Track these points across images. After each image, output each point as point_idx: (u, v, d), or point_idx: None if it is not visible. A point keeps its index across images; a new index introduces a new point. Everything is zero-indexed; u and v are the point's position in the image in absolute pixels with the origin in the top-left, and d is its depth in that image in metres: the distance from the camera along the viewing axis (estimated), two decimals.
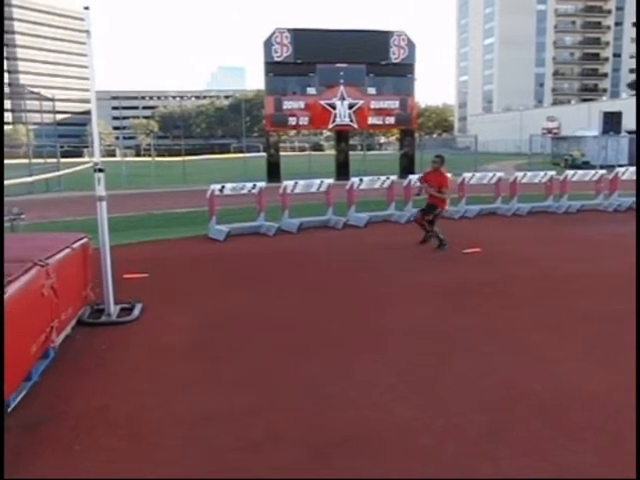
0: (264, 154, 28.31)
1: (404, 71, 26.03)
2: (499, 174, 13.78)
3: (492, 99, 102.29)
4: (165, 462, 3.07)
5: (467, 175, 13.52)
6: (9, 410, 3.60)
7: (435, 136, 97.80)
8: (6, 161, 33.78)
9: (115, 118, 67.84)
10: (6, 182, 4.70)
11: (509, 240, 10.09)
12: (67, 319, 5.06)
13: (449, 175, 9.67)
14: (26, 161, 27.15)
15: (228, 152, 70.29)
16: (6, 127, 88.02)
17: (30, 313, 4.02)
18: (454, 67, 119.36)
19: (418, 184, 9.89)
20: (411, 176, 13.40)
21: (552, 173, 14.04)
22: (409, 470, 2.99)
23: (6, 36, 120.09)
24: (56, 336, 4.63)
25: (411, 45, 25.93)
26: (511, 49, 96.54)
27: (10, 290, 3.66)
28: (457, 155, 36.81)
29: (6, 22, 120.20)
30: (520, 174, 13.77)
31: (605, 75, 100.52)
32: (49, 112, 30.11)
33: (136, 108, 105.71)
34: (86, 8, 5.53)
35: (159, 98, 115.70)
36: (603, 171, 14.44)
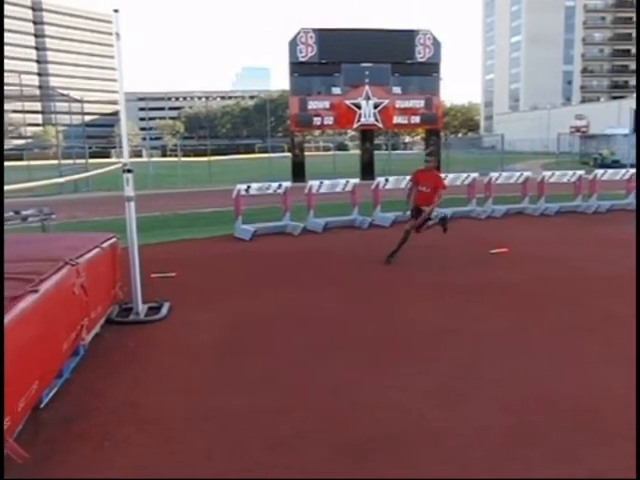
0: (289, 154, 28.38)
1: (429, 70, 25.86)
2: (526, 173, 13.62)
3: (519, 97, 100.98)
4: (194, 459, 3.10)
5: (494, 175, 13.38)
6: (42, 406, 3.67)
7: (460, 135, 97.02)
8: (37, 162, 34.50)
9: (142, 119, 68.69)
10: (38, 183, 4.79)
11: (537, 240, 9.96)
12: (97, 317, 5.13)
13: (442, 175, 9.13)
14: (56, 162, 27.66)
15: (253, 152, 70.60)
16: (36, 129, 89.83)
17: (62, 311, 4.09)
18: (480, 65, 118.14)
19: (408, 186, 9.10)
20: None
21: (581, 172, 13.82)
22: (435, 472, 2.97)
23: (37, 39, 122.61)
24: (86, 334, 4.70)
25: (436, 44, 25.76)
26: (538, 47, 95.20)
27: (43, 288, 3.73)
28: (483, 154, 36.51)
29: (37, 26, 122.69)
30: (548, 173, 13.57)
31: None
32: (78, 113, 30.63)
33: (162, 109, 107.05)
34: (115, 11, 5.60)
35: (185, 99, 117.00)
36: (633, 170, 14.15)
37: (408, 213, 8.57)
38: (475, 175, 13.21)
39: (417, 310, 5.92)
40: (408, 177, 12.48)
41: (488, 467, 3.00)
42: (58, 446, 3.24)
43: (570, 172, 13.89)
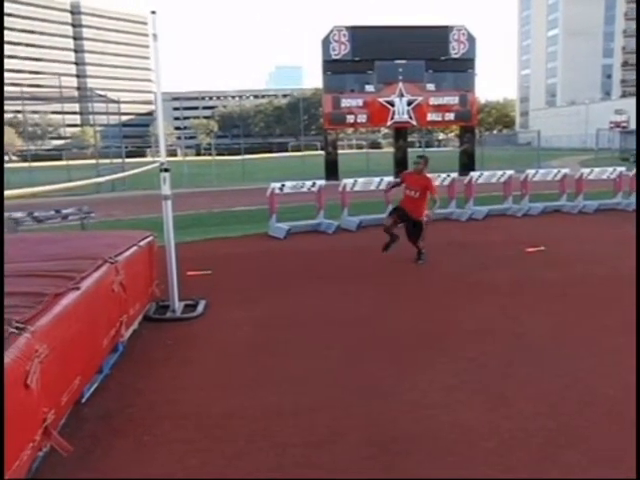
0: (322, 152, 28.40)
1: (464, 66, 25.55)
2: (564, 170, 13.35)
3: (556, 93, 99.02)
4: (232, 456, 3.13)
5: (530, 172, 13.16)
6: (83, 400, 3.76)
7: (495, 132, 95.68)
8: (75, 162, 35.28)
9: (176, 118, 69.53)
10: (78, 183, 4.93)
11: (574, 238, 9.76)
12: (135, 314, 5.22)
13: (431, 176, 8.30)
14: (93, 161, 28.26)
15: (286, 150, 70.84)
16: (75, 129, 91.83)
17: (101, 308, 4.18)
18: (515, 61, 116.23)
19: (391, 182, 9.03)
20: (472, 173, 13.18)
21: (621, 169, 13.48)
22: (472, 474, 2.94)
23: (76, 42, 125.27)
24: (125, 331, 4.79)
25: (471, 39, 25.43)
26: (576, 40, 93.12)
27: (84, 286, 3.81)
28: (519, 151, 35.94)
29: (76, 29, 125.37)
30: (586, 170, 13.28)
31: None
32: (115, 114, 31.20)
33: (196, 108, 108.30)
34: (153, 12, 5.69)
35: (218, 98, 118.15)
36: None
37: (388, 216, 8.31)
38: (511, 172, 13.02)
39: (454, 308, 5.86)
40: (443, 175, 12.47)
41: (528, 470, 2.95)
42: (100, 440, 3.31)
43: (610, 169, 13.56)
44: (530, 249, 8.61)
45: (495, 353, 4.59)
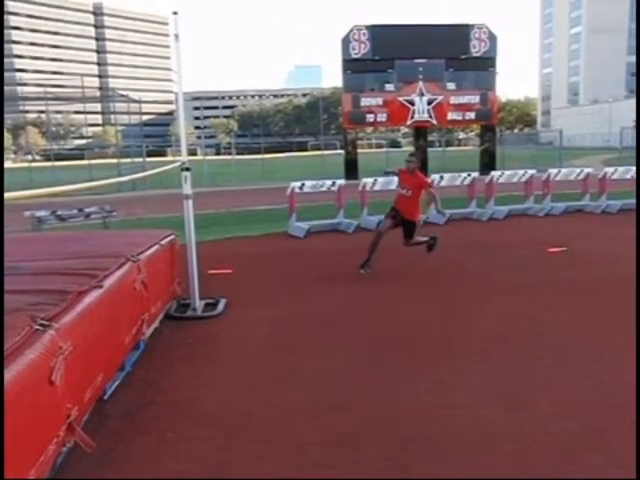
0: (341, 151, 28.39)
1: (485, 65, 25.37)
2: (587, 170, 13.17)
3: (578, 91, 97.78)
4: (253, 454, 3.14)
5: (552, 171, 13.01)
6: (106, 397, 3.80)
7: (516, 131, 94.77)
8: (97, 161, 35.69)
9: (196, 118, 70.15)
10: (100, 182, 4.99)
11: (597, 239, 9.63)
12: (156, 313, 5.27)
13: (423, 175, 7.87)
14: (115, 161, 28.57)
15: (305, 150, 71.04)
16: (96, 129, 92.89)
17: (124, 306, 4.22)
18: (537, 59, 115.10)
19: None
20: (493, 172, 13.08)
21: None
22: (493, 476, 2.91)
23: (98, 43, 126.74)
24: (146, 329, 4.84)
25: (492, 38, 25.24)
26: (600, 37, 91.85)
27: (107, 284, 3.85)
28: (540, 150, 35.57)
29: (98, 30, 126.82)
30: (610, 170, 13.09)
31: None
32: (136, 113, 31.54)
33: (216, 108, 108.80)
34: (175, 13, 5.73)
35: (238, 98, 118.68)
36: None
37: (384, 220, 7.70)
38: (533, 172, 12.89)
39: (474, 308, 5.81)
40: (463, 174, 12.39)
41: (550, 473, 2.92)
42: (122, 437, 3.35)
43: (634, 168, 13.33)
44: (552, 249, 8.51)
45: (516, 354, 4.54)
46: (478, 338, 4.96)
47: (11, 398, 2.31)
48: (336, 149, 44.12)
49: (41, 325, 2.87)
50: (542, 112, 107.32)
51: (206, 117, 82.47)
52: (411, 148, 31.17)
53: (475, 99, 25.48)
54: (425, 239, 7.72)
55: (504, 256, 8.36)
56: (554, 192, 12.75)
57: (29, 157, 53.90)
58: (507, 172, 13.06)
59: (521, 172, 12.84)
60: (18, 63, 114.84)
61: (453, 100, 25.34)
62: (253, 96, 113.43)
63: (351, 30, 24.55)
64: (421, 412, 3.59)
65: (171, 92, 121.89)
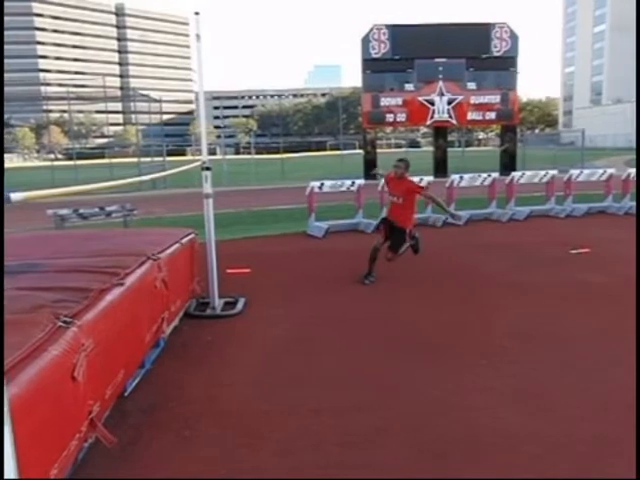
0: (360, 151, 28.32)
1: (506, 64, 25.10)
2: (610, 170, 12.99)
3: (601, 91, 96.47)
4: (273, 453, 3.15)
5: (574, 172, 12.86)
6: (126, 394, 3.84)
7: (537, 131, 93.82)
8: (118, 160, 36.02)
9: (216, 117, 70.41)
10: (124, 181, 5.02)
11: (620, 240, 9.47)
12: (176, 311, 5.31)
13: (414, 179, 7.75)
14: (135, 160, 28.82)
15: (324, 149, 70.99)
16: (117, 128, 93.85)
17: (144, 304, 4.26)
18: (559, 58, 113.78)
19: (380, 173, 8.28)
20: (514, 173, 12.96)
21: None
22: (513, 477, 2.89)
23: (119, 43, 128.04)
24: (166, 327, 4.88)
25: (514, 37, 24.97)
26: (625, 36, 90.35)
27: (128, 282, 3.89)
28: (562, 151, 35.15)
29: (120, 30, 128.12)
30: (633, 170, 12.89)
31: None
32: (156, 113, 31.79)
33: (236, 107, 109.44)
34: (196, 13, 5.76)
35: (258, 97, 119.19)
36: None
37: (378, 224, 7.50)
38: (554, 172, 12.75)
39: (495, 310, 5.77)
40: (484, 174, 12.29)
41: (570, 477, 2.89)
42: (142, 433, 3.38)
43: None
44: (574, 251, 8.41)
45: (538, 356, 4.50)
46: (498, 340, 4.92)
47: (35, 394, 2.35)
48: (355, 149, 44.10)
49: (64, 322, 2.91)
50: (564, 112, 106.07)
51: (226, 117, 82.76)
52: (430, 148, 31.02)
53: (496, 99, 25.24)
54: (407, 245, 7.21)
55: (525, 257, 8.28)
56: (576, 193, 12.61)
57: (52, 156, 54.65)
58: (528, 173, 12.93)
59: (542, 173, 12.71)
60: (42, 63, 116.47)
61: (473, 100, 25.13)
62: (272, 96, 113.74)
63: (371, 30, 24.48)
64: (440, 413, 3.57)
65: (191, 92, 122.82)
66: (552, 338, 4.91)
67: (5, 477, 1.80)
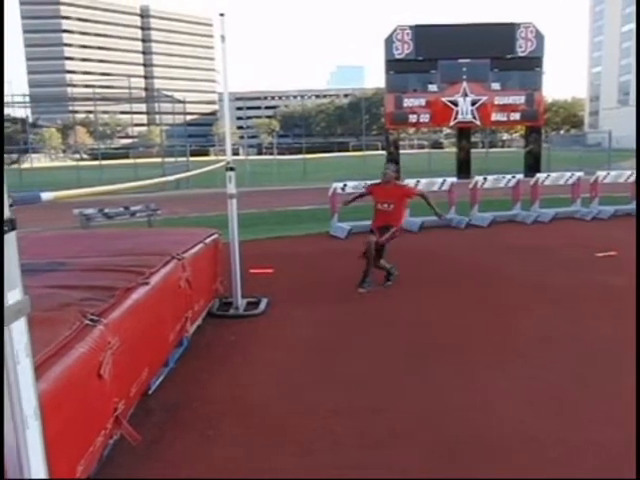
0: (383, 152, 28.25)
1: (531, 64, 24.82)
2: None
3: (629, 91, 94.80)
4: (293, 454, 3.15)
5: (600, 173, 12.66)
6: (150, 392, 3.88)
7: (563, 132, 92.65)
8: (141, 160, 36.42)
9: (239, 118, 70.78)
10: (148, 182, 5.07)
11: None
12: (199, 310, 5.35)
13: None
14: (159, 160, 29.12)
15: (347, 150, 70.95)
16: (141, 128, 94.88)
17: (168, 303, 4.30)
18: (586, 58, 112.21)
19: (355, 193, 7.85)
20: (539, 174, 12.81)
21: None
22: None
23: (144, 44, 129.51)
24: (190, 326, 4.91)
25: (539, 37, 24.68)
26: None
27: (153, 281, 3.93)
28: (588, 152, 34.70)
29: (144, 32, 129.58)
30: None
31: None
32: (180, 113, 32.11)
33: (259, 108, 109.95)
34: (222, 15, 5.80)
35: (280, 98, 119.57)
36: None
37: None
38: (580, 174, 12.57)
39: (520, 313, 5.70)
40: (508, 176, 12.16)
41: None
42: (165, 431, 3.41)
43: None
44: (600, 254, 8.28)
45: (563, 360, 4.44)
46: (519, 342, 4.87)
47: (63, 390, 2.38)
48: (377, 150, 44.00)
49: (91, 320, 2.95)
50: (590, 112, 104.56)
51: (248, 117, 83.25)
52: (454, 149, 30.80)
53: (520, 100, 24.97)
54: (389, 266, 6.92)
55: (549, 260, 8.18)
56: (602, 195, 12.42)
57: (77, 156, 55.46)
58: (553, 174, 12.78)
59: (568, 174, 12.55)
60: (69, 65, 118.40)
61: (497, 101, 24.90)
62: (295, 96, 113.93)
63: (394, 30, 24.41)
64: (463, 415, 3.55)
65: (214, 92, 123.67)
66: (579, 341, 4.84)
67: (33, 472, 1.83)
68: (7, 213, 1.75)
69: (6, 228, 1.73)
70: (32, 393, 1.84)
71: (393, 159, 6.22)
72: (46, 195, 2.06)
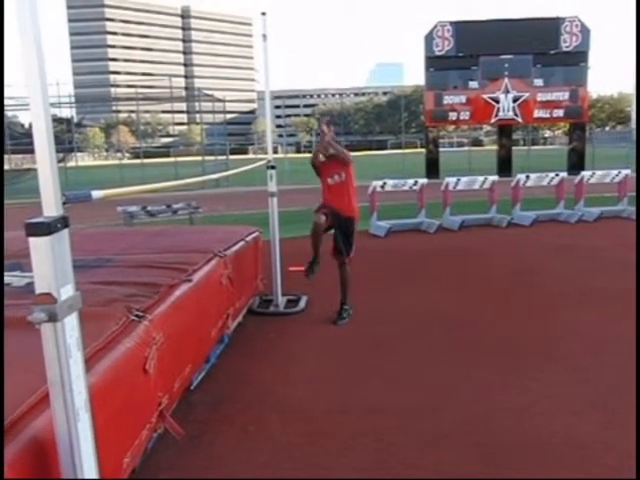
0: (422, 150, 28.01)
1: (576, 60, 24.22)
2: None
3: None
4: (335, 451, 3.15)
5: None
6: (192, 388, 3.93)
7: (608, 129, 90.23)
8: (182, 158, 36.99)
9: (278, 116, 71.23)
10: (191, 180, 5.11)
11: None
12: (240, 307, 5.39)
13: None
14: (199, 158, 29.50)
15: (385, 148, 70.64)
16: (182, 127, 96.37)
17: (211, 300, 4.35)
18: (633, 51, 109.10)
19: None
20: (584, 172, 12.50)
21: None
22: None
23: (185, 44, 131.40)
24: (231, 323, 4.96)
25: (585, 31, 24.07)
26: None
27: (195, 278, 3.98)
28: (634, 149, 33.64)
29: (185, 32, 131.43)
30: None
31: None
32: (220, 112, 32.45)
33: (297, 106, 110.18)
34: (263, 14, 5.83)
35: (319, 96, 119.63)
36: None
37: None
38: (627, 172, 12.22)
39: (564, 314, 5.57)
40: (551, 174, 11.90)
41: None
42: (207, 426, 3.46)
43: None
44: None
45: (610, 364, 4.32)
46: (567, 345, 4.75)
47: (111, 384, 2.43)
48: (416, 148, 43.64)
49: (136, 316, 3.01)
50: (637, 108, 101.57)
51: (287, 115, 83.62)
52: (494, 147, 30.26)
53: (564, 96, 24.40)
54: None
55: (592, 260, 7.97)
56: None
57: (119, 154, 56.69)
58: (599, 172, 12.44)
59: (614, 172, 12.20)
60: (112, 66, 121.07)
61: (540, 97, 24.39)
62: (334, 94, 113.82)
63: (435, 27, 24.17)
64: (508, 418, 3.48)
65: (253, 91, 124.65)
66: (627, 346, 4.70)
67: (85, 462, 1.88)
68: (60, 210, 1.80)
69: (59, 225, 1.78)
70: (83, 386, 1.89)
71: (325, 113, 5.27)
72: (96, 193, 2.11)
